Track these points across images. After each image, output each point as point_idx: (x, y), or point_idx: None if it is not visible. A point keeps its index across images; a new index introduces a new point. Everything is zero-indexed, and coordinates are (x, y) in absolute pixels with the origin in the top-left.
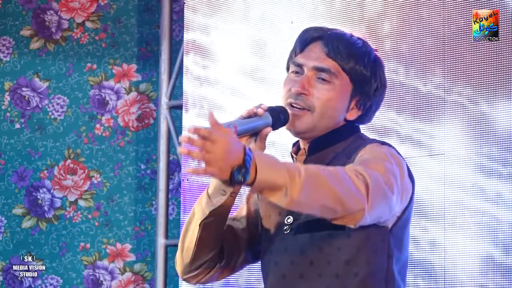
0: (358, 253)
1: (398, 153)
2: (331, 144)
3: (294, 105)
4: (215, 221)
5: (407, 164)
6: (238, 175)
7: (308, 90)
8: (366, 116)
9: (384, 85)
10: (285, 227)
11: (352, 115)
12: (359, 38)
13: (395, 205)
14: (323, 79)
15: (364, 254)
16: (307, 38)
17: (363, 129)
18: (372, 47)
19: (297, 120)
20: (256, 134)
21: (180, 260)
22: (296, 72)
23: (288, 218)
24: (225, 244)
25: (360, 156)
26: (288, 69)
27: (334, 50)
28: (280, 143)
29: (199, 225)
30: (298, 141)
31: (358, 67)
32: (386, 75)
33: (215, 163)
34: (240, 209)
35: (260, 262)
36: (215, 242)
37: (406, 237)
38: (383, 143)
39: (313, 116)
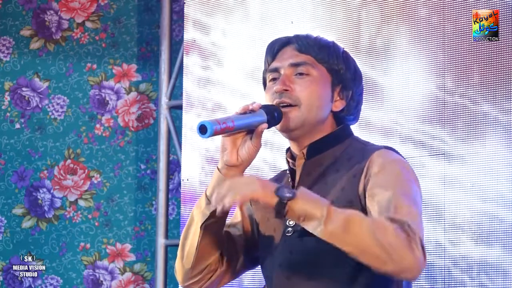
0: None
1: (399, 154)
2: (328, 148)
3: (281, 103)
4: (216, 222)
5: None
6: (283, 192)
7: (290, 86)
8: (351, 107)
9: (360, 76)
10: (288, 229)
11: (338, 106)
12: (324, 38)
13: None
14: (301, 74)
15: None
16: (276, 46)
17: (365, 128)
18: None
19: (287, 117)
20: (251, 132)
21: (181, 267)
22: (274, 79)
23: (290, 220)
24: (224, 249)
25: (375, 173)
26: (265, 84)
27: (305, 46)
28: (278, 143)
29: (200, 227)
30: (288, 148)
31: (331, 61)
32: (385, 75)
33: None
34: (234, 216)
35: (260, 266)
36: (215, 245)
37: None
38: (387, 148)
39: (301, 110)
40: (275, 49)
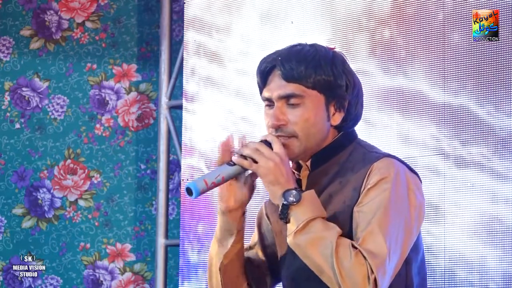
0: None
1: (402, 162)
2: (332, 156)
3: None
4: (233, 261)
5: (410, 169)
6: (288, 195)
7: (284, 120)
8: (351, 114)
9: (353, 77)
10: None
11: (336, 119)
12: (310, 46)
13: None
14: (293, 104)
15: None
16: (264, 71)
17: (365, 129)
18: (326, 46)
19: (287, 149)
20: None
21: None
22: (269, 105)
23: None
24: (250, 278)
25: (368, 190)
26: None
27: (290, 74)
28: None
29: (219, 269)
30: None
31: (319, 77)
32: (384, 76)
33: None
34: (253, 236)
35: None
36: (240, 278)
37: (420, 236)
38: (389, 156)
39: (299, 140)
40: (263, 73)
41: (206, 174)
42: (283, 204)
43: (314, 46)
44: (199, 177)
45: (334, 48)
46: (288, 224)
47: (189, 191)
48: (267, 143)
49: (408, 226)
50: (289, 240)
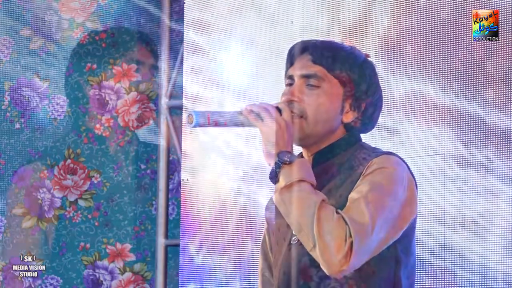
0: (365, 262)
1: (402, 160)
2: (334, 156)
3: None
4: None
5: (409, 170)
6: (283, 155)
7: (299, 97)
8: (364, 118)
9: (377, 86)
10: (294, 237)
11: (348, 117)
12: (347, 45)
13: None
14: (312, 85)
15: (371, 263)
16: (295, 52)
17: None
18: (362, 52)
19: (294, 127)
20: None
21: None
22: (289, 84)
23: None
24: None
25: (364, 176)
26: None
27: (320, 56)
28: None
29: None
30: (301, 153)
31: (345, 70)
32: (385, 76)
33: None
34: (259, 269)
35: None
36: None
37: (414, 240)
38: (389, 154)
39: (307, 122)
40: (293, 54)
41: (213, 111)
42: (275, 163)
43: (349, 46)
44: (205, 110)
45: (369, 56)
46: (276, 184)
47: (190, 118)
48: (278, 110)
49: (395, 216)
50: (276, 196)
